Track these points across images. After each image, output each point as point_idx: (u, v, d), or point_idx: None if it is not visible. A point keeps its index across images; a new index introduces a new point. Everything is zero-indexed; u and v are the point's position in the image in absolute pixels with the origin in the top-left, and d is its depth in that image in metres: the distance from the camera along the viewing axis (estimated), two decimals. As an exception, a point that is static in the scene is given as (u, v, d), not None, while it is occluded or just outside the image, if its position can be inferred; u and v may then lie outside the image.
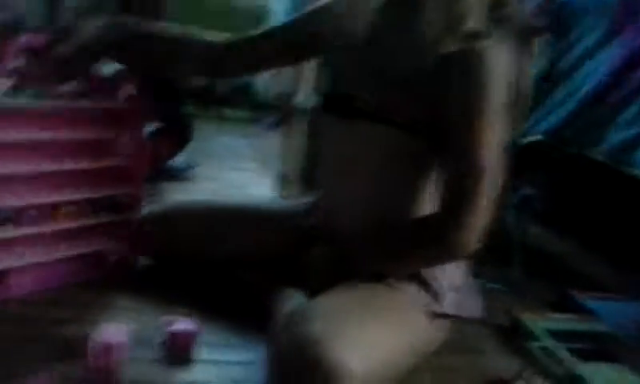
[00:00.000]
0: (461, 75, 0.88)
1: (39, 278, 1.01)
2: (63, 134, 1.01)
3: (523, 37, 1.34)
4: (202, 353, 0.92)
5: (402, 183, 0.96)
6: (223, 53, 1.06)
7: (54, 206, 1.01)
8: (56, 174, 1.01)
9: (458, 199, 0.87)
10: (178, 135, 1.73)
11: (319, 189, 1.11)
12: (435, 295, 0.95)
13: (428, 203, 0.96)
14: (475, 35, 0.89)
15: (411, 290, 0.94)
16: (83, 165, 1.04)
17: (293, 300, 0.94)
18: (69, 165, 1.02)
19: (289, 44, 1.06)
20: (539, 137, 1.77)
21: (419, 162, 0.94)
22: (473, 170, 0.86)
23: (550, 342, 1.10)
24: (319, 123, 1.10)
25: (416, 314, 0.93)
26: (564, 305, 1.32)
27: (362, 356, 0.78)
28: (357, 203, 0.98)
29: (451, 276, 0.98)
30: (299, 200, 1.22)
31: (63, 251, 1.03)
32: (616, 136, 1.60)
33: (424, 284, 0.95)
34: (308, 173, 1.64)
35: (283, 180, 1.77)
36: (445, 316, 0.97)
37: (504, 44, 0.90)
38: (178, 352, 0.90)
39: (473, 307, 1.01)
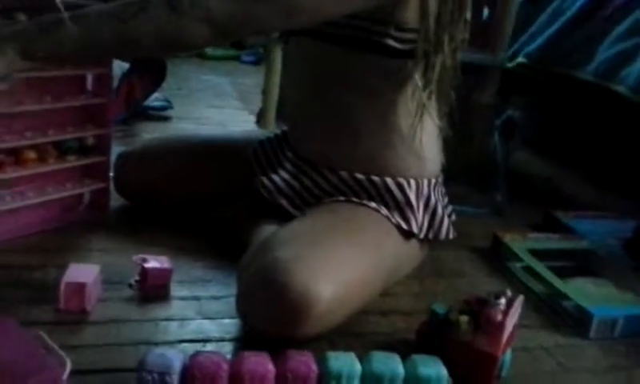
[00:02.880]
0: None
1: (8, 227, 0.98)
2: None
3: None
4: (178, 290, 0.91)
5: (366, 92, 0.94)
6: None
7: (17, 151, 0.98)
8: (17, 116, 0.97)
9: None
10: (151, 74, 1.68)
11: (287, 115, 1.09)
12: (407, 216, 0.94)
13: (400, 116, 0.94)
14: None
15: (382, 211, 0.93)
16: (47, 105, 1.00)
17: (264, 230, 0.93)
18: (31, 106, 0.97)
19: None
20: (524, 60, 1.73)
21: (379, 71, 0.93)
22: None
23: (531, 261, 1.10)
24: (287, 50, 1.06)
25: (388, 235, 0.92)
26: (547, 225, 1.32)
27: (330, 279, 0.77)
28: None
29: (425, 197, 0.97)
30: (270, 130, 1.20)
31: (31, 198, 1.00)
32: (605, 53, 1.56)
33: (396, 205, 0.94)
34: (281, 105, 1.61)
35: (260, 114, 1.74)
36: (416, 237, 0.96)
37: None
38: (152, 289, 0.89)
39: (445, 229, 1.00)
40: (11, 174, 0.97)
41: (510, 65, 1.69)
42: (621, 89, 1.50)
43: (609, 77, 1.53)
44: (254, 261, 0.81)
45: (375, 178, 0.95)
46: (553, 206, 1.37)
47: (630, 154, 1.56)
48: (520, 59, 1.74)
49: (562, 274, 1.06)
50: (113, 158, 1.12)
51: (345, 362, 0.72)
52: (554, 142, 1.81)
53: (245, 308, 0.81)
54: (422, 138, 0.95)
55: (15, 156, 0.98)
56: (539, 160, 1.83)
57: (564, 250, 1.17)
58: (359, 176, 0.95)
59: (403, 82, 0.92)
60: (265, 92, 1.77)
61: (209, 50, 2.82)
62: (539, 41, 1.69)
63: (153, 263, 0.91)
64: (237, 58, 2.96)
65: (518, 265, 1.12)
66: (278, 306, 0.75)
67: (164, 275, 0.91)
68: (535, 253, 1.12)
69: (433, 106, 0.95)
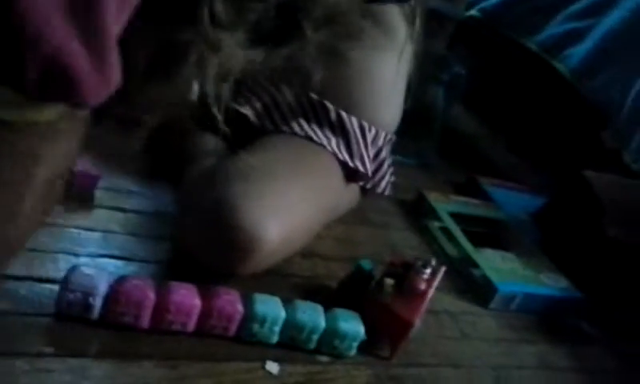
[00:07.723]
0: None
1: None
2: None
3: None
4: (104, 199, 0.88)
5: None
6: None
7: None
8: None
9: None
10: None
11: None
12: (358, 157, 0.95)
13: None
14: None
15: (332, 146, 0.93)
16: None
17: (210, 152, 0.89)
18: None
19: None
20: (477, 14, 1.73)
21: None
22: None
23: (450, 223, 1.15)
24: None
25: (334, 175, 0.93)
26: (469, 188, 1.38)
27: (281, 222, 0.76)
28: None
29: (377, 148, 0.99)
30: None
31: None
32: (555, 28, 1.59)
33: (353, 144, 0.95)
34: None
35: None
36: (358, 181, 0.98)
37: None
38: (76, 195, 0.85)
39: (384, 184, 1.02)
40: None
41: (464, 14, 1.69)
42: (561, 67, 1.56)
43: (553, 52, 1.58)
44: (198, 194, 0.78)
45: (342, 113, 0.95)
46: (474, 167, 1.43)
47: (554, 131, 1.64)
48: (473, 12, 1.74)
49: (475, 241, 1.12)
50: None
51: (270, 306, 0.73)
52: (490, 105, 1.86)
53: (188, 242, 0.79)
54: (391, 89, 0.97)
55: None
56: (473, 120, 1.88)
57: (479, 217, 1.23)
58: (329, 105, 0.94)
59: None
60: None
61: None
62: (496, -1, 1.70)
63: (78, 166, 0.86)
64: None
65: (437, 224, 1.17)
66: (225, 246, 0.74)
67: (90, 182, 0.87)
68: (454, 215, 1.17)
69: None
